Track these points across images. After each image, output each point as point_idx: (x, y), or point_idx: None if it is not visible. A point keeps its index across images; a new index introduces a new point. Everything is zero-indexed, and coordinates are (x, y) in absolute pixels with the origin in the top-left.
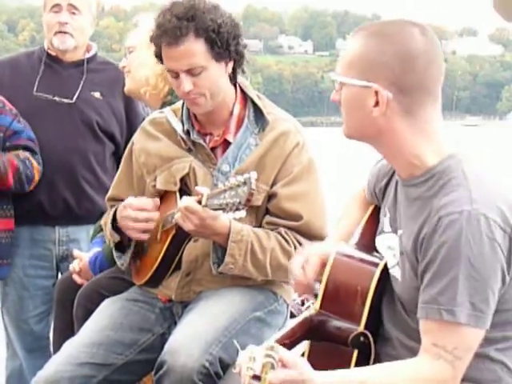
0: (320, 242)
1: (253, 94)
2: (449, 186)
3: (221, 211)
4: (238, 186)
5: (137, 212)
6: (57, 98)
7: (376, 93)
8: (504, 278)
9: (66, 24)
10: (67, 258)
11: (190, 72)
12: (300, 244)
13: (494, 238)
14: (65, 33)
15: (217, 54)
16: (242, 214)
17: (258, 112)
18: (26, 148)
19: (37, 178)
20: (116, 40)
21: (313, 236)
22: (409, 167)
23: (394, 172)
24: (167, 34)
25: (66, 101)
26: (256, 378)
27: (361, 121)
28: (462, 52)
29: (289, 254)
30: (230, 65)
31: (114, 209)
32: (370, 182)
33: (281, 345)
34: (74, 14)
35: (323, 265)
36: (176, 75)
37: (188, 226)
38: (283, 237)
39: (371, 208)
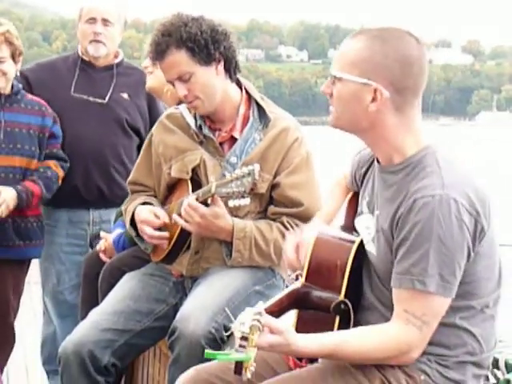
0: (309, 225)
1: (257, 95)
2: (423, 172)
3: (227, 199)
4: (243, 176)
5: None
6: (91, 99)
7: (375, 90)
8: (469, 255)
9: (100, 34)
10: (99, 236)
11: (181, 79)
12: None
13: (461, 219)
14: (98, 41)
15: (200, 59)
16: (247, 201)
17: (262, 111)
18: (57, 158)
19: (60, 182)
20: (136, 49)
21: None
22: (390, 156)
23: (372, 161)
24: (154, 51)
25: (99, 101)
26: (244, 338)
27: (355, 114)
28: (438, 61)
29: None
30: (220, 67)
31: (133, 207)
32: (351, 170)
33: (269, 312)
34: (106, 25)
35: None
36: (173, 84)
37: (192, 227)
38: (285, 226)
39: (350, 194)
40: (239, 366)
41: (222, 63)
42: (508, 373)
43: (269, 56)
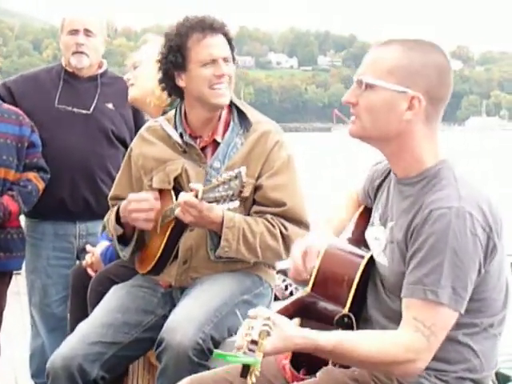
0: (318, 234)
1: (237, 101)
2: (440, 185)
3: (216, 203)
4: (230, 179)
5: (140, 203)
6: (75, 110)
7: (412, 99)
8: (480, 270)
9: (82, 45)
10: (86, 249)
11: (226, 60)
12: (285, 227)
13: (476, 234)
14: (81, 53)
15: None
16: (236, 204)
17: (242, 115)
18: (38, 168)
19: (39, 194)
20: (127, 57)
21: (296, 220)
22: (409, 167)
23: (387, 174)
24: (211, 23)
25: (83, 112)
26: (253, 342)
27: (387, 123)
28: None
29: (275, 237)
30: None
31: (117, 206)
32: (364, 185)
33: None
34: (89, 36)
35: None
36: (213, 62)
37: (187, 218)
38: (269, 222)
39: (362, 208)
40: (246, 370)
41: None
42: None
43: (259, 63)
